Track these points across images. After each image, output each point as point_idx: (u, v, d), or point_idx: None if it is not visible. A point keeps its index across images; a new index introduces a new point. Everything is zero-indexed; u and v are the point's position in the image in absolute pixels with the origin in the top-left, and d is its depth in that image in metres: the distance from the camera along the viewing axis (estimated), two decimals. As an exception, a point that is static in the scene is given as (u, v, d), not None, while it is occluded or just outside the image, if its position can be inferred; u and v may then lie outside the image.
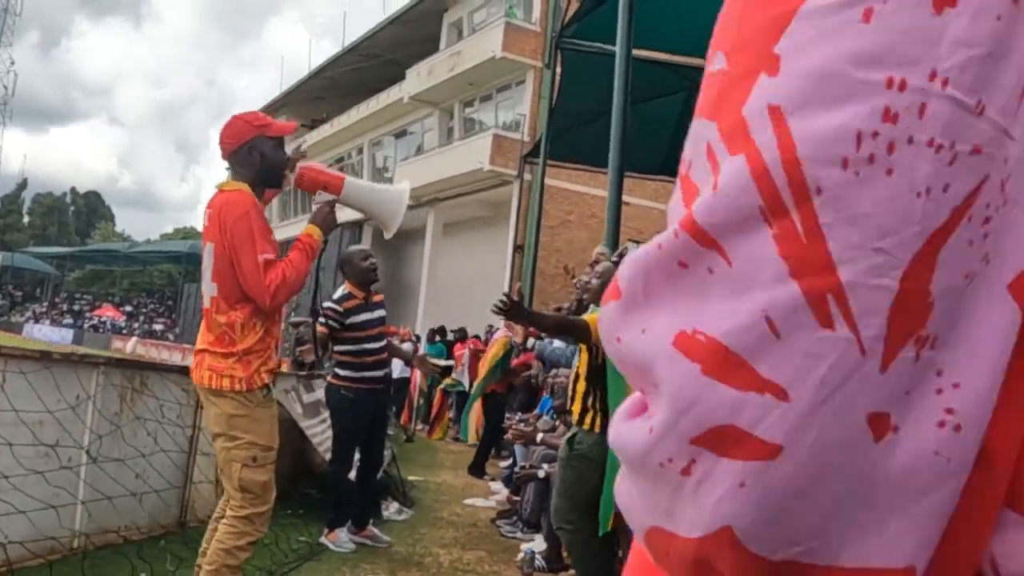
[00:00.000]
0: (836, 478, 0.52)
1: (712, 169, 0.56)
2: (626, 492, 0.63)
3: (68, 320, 65.44)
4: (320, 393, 8.43)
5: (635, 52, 9.31)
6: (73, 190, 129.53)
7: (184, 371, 6.17)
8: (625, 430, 0.60)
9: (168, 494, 7.17)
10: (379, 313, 7.53)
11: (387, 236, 4.97)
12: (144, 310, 69.34)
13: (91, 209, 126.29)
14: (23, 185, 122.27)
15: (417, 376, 18.46)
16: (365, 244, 26.54)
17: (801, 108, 0.52)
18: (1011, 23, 0.52)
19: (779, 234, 0.52)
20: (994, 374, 0.53)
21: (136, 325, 62.99)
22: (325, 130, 43.41)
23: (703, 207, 0.55)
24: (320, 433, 8.49)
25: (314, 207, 4.99)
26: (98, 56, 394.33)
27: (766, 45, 0.54)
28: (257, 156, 4.77)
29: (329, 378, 7.65)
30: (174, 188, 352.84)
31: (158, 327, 63.39)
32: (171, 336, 56.12)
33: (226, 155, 4.83)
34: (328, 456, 7.71)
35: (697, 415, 0.53)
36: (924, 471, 0.52)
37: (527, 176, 25.90)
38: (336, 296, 7.39)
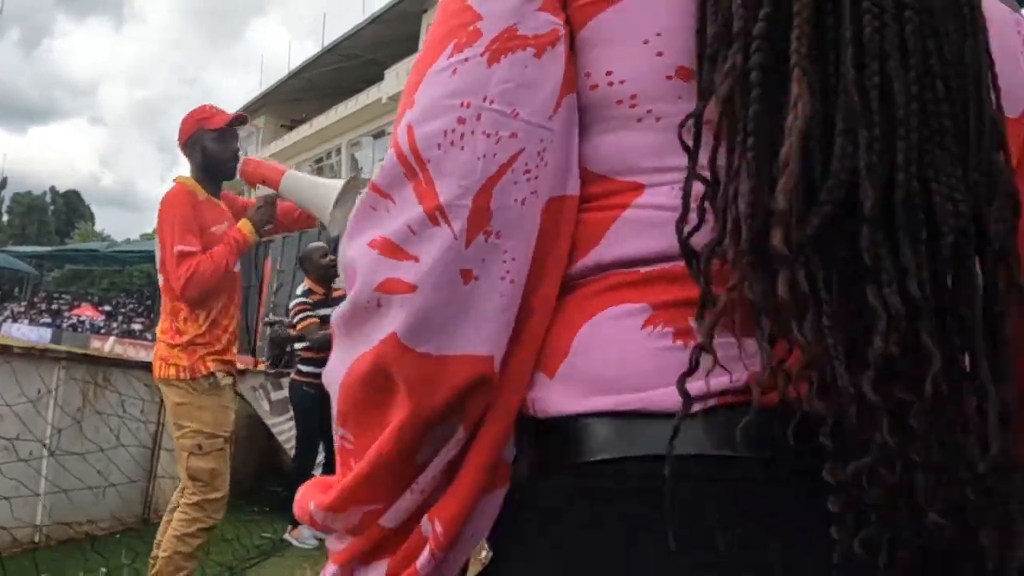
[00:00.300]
0: (446, 303, 0.91)
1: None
2: (334, 361, 1.00)
3: (46, 319, 65.14)
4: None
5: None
6: (53, 189, 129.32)
7: (148, 367, 6.19)
8: (337, 311, 0.99)
9: (131, 490, 7.18)
10: (342, 309, 7.45)
11: (330, 232, 4.83)
12: (123, 310, 69.16)
13: (71, 208, 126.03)
14: (2, 184, 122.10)
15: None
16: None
17: (420, 123, 0.93)
18: (538, 68, 0.94)
19: (414, 185, 0.93)
20: (528, 258, 0.95)
21: (115, 325, 62.75)
22: (304, 130, 43.48)
23: (379, 177, 0.96)
24: (287, 431, 8.49)
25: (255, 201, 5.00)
26: (80, 56, 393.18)
27: (411, 95, 0.96)
28: (198, 150, 4.89)
29: (292, 375, 7.68)
30: (155, 188, 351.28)
31: (137, 327, 63.16)
32: (149, 336, 55.94)
33: (182, 152, 4.97)
34: (293, 453, 7.71)
35: (378, 274, 0.92)
36: (496, 303, 0.92)
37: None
38: (300, 291, 7.49)
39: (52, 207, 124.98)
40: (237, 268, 5.01)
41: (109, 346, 42.57)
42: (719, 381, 0.85)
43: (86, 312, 67.25)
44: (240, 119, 5.08)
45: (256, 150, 48.30)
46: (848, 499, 0.77)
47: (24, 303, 77.06)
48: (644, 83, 0.93)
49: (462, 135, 0.92)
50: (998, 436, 0.80)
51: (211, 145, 4.87)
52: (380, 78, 35.98)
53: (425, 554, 0.96)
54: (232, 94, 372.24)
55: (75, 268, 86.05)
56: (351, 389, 0.97)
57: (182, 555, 4.66)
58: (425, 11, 35.76)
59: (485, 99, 0.93)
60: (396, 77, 34.51)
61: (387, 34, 36.74)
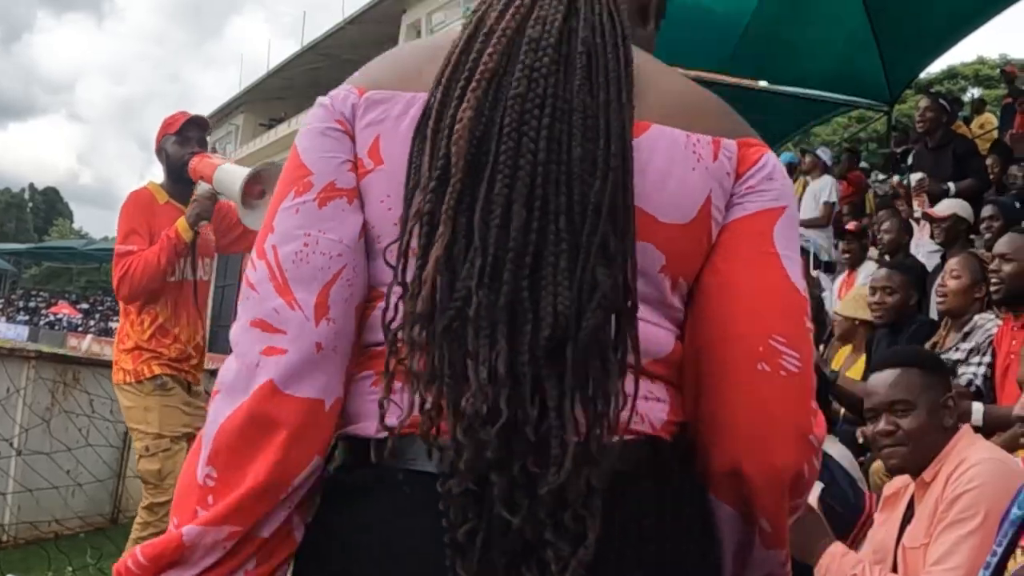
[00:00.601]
0: (304, 363, 1.30)
1: (253, 266, 1.37)
2: (215, 411, 1.33)
3: (23, 317, 64.78)
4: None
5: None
6: (32, 186, 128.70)
7: (116, 367, 6.22)
8: (219, 378, 1.34)
9: (99, 490, 7.22)
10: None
11: (245, 223, 4.74)
12: (100, 308, 68.54)
13: (49, 206, 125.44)
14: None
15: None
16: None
17: (280, 245, 1.35)
18: (350, 212, 1.37)
19: (274, 285, 1.33)
20: (351, 338, 1.38)
21: (92, 323, 62.36)
22: (283, 129, 43.24)
23: (250, 276, 1.36)
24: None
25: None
26: (59, 52, 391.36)
27: (271, 223, 1.38)
28: (164, 156, 4.97)
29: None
30: (134, 186, 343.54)
31: (114, 325, 62.76)
32: (127, 334, 55.24)
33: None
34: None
35: (262, 344, 1.32)
36: (333, 364, 1.34)
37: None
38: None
39: (31, 204, 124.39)
40: (206, 277, 5.12)
41: (86, 344, 42.48)
42: (390, 420, 1.24)
43: (63, 310, 66.75)
44: (195, 121, 5.09)
45: (235, 149, 48.05)
46: (453, 503, 1.17)
47: (1, 300, 76.65)
48: (381, 228, 1.38)
49: (307, 255, 1.35)
50: (568, 472, 1.14)
51: (171, 149, 4.94)
52: (359, 78, 35.87)
53: None
54: (212, 92, 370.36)
55: (53, 266, 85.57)
56: (230, 431, 1.31)
57: None
58: (404, 11, 35.83)
59: (320, 231, 1.36)
60: (375, 77, 34.44)
61: (366, 35, 36.64)
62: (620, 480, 1.21)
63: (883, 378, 3.06)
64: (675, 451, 1.38)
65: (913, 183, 7.85)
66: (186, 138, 4.96)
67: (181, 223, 4.77)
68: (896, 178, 9.68)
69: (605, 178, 1.22)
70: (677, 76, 1.47)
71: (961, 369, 4.78)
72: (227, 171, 4.67)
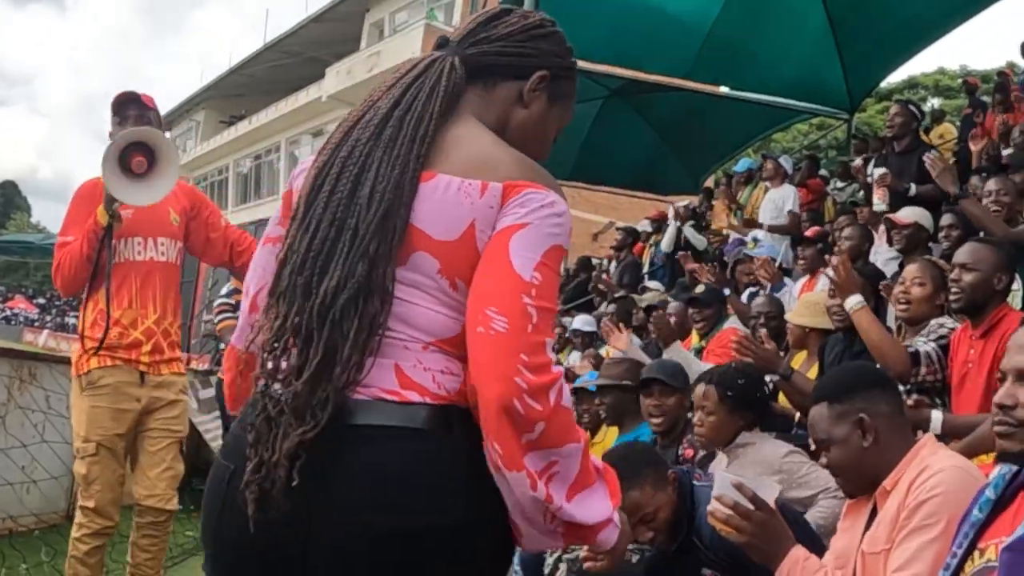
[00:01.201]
0: (241, 330, 2.29)
1: (244, 281, 2.40)
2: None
3: (-22, 312, 64.11)
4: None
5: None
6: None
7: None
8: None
9: (54, 487, 7.16)
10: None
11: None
12: (57, 303, 67.88)
13: (7, 199, 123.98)
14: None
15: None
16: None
17: (250, 270, 2.34)
18: (272, 250, 2.16)
19: (245, 296, 2.32)
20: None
21: (48, 318, 61.76)
22: (243, 127, 43.04)
23: (243, 284, 2.44)
24: (214, 429, 8.48)
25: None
26: (19, 44, 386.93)
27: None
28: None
29: (219, 373, 7.65)
30: None
31: (71, 320, 62.18)
32: (83, 330, 54.54)
33: None
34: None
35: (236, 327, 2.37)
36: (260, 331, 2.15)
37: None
38: (224, 292, 7.53)
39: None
40: (162, 258, 4.91)
41: (43, 339, 42.05)
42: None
43: (19, 304, 66.05)
44: (125, 99, 4.89)
45: (195, 145, 47.86)
46: (252, 404, 2.01)
47: (-44, 295, 75.75)
48: None
49: (255, 277, 2.24)
50: (307, 381, 1.85)
51: (114, 132, 4.78)
52: (321, 76, 35.71)
53: None
54: (173, 87, 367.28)
55: (9, 260, 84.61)
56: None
57: (76, 559, 4.66)
58: (367, 10, 35.72)
59: (259, 263, 2.23)
60: (336, 76, 34.29)
61: (329, 33, 36.54)
62: (391, 431, 1.86)
63: (809, 418, 3.19)
64: (469, 414, 1.91)
65: (875, 176, 7.87)
66: (124, 117, 4.81)
67: (99, 209, 4.59)
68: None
69: (378, 208, 1.92)
70: (487, 144, 2.04)
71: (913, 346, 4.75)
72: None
